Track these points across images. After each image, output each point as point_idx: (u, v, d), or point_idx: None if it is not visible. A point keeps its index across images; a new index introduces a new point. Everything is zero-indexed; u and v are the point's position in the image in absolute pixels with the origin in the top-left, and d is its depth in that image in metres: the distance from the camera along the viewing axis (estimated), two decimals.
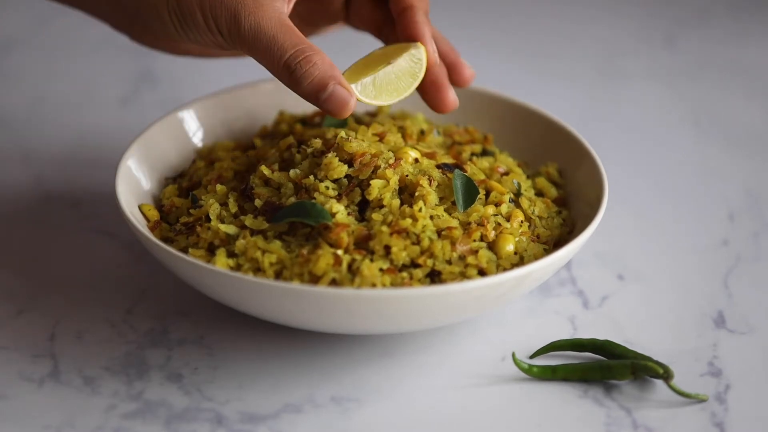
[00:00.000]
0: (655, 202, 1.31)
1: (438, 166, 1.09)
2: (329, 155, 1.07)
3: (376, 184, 1.05)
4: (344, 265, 1.01)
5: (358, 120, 1.21)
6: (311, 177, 1.07)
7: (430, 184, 1.07)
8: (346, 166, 1.06)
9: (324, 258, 1.01)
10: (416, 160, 1.09)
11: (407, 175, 1.07)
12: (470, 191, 1.07)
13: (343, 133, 1.09)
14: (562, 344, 1.07)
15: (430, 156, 1.11)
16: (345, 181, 1.06)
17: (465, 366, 1.06)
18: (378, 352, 1.07)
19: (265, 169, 1.09)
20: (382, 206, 1.05)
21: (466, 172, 1.10)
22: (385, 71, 1.11)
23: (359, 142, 1.08)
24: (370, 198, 1.05)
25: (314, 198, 1.05)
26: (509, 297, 1.03)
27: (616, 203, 1.25)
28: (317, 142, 1.10)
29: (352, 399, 1.03)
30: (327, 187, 1.06)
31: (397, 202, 1.05)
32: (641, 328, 1.11)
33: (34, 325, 1.10)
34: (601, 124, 1.46)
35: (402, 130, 1.16)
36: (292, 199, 1.06)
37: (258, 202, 1.07)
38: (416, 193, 1.06)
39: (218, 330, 1.09)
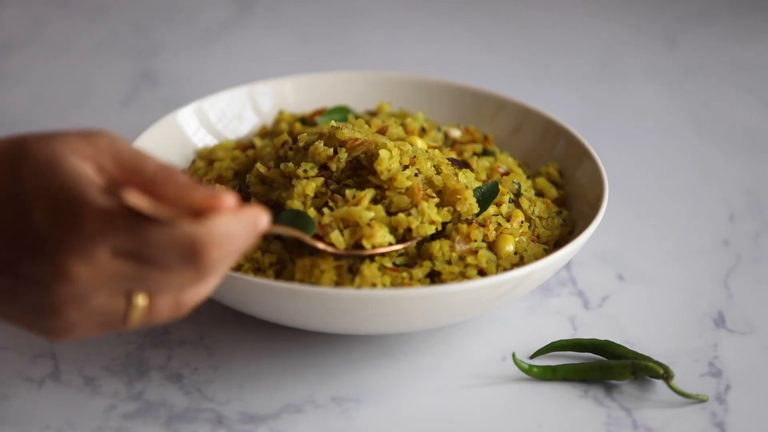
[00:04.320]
0: (655, 202, 1.31)
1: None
2: (317, 142, 1.06)
3: (384, 155, 1.04)
4: (345, 265, 1.01)
5: (358, 118, 1.20)
6: (290, 164, 1.06)
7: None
8: (331, 150, 1.05)
9: (325, 262, 1.01)
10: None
11: (415, 156, 1.06)
12: (492, 195, 1.07)
13: (333, 123, 1.08)
14: (562, 344, 1.07)
15: (438, 149, 1.11)
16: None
17: (465, 366, 1.06)
18: (378, 352, 1.07)
19: (260, 167, 1.08)
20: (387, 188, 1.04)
21: (472, 170, 1.10)
22: None
23: (352, 130, 1.07)
24: (379, 169, 1.04)
25: (293, 185, 1.04)
26: (509, 297, 1.03)
27: (616, 203, 1.25)
28: (303, 136, 1.09)
29: (352, 399, 1.03)
30: (305, 171, 1.05)
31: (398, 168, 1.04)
32: (641, 328, 1.11)
33: None
34: (601, 124, 1.46)
35: (404, 127, 1.16)
36: (280, 192, 1.05)
37: (254, 201, 1.07)
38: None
39: (218, 330, 1.09)
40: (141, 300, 0.80)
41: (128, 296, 0.80)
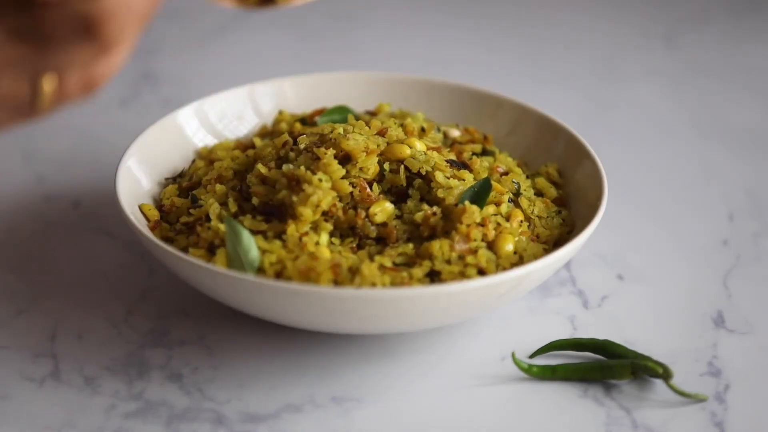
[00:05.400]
0: (655, 201, 1.31)
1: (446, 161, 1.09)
2: (327, 152, 1.06)
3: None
4: (344, 265, 1.01)
5: (358, 118, 1.21)
6: (302, 168, 1.06)
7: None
8: (344, 170, 1.06)
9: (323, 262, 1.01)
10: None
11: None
12: (485, 192, 1.07)
13: (340, 129, 1.09)
14: (561, 344, 1.07)
15: (437, 150, 1.11)
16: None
17: (465, 366, 1.06)
18: (378, 351, 1.07)
19: (261, 167, 1.08)
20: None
21: (471, 170, 1.10)
22: None
23: (356, 138, 1.07)
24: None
25: (303, 189, 1.04)
26: (509, 297, 1.03)
27: (616, 203, 1.25)
28: (304, 138, 1.09)
29: (352, 399, 1.03)
30: (320, 180, 1.05)
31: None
32: (641, 327, 1.11)
33: (34, 325, 1.10)
34: (600, 124, 1.46)
35: (403, 128, 1.16)
36: (285, 192, 1.05)
37: (255, 200, 1.07)
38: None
39: (218, 330, 1.09)
40: (47, 84, 0.75)
41: (33, 80, 0.75)
